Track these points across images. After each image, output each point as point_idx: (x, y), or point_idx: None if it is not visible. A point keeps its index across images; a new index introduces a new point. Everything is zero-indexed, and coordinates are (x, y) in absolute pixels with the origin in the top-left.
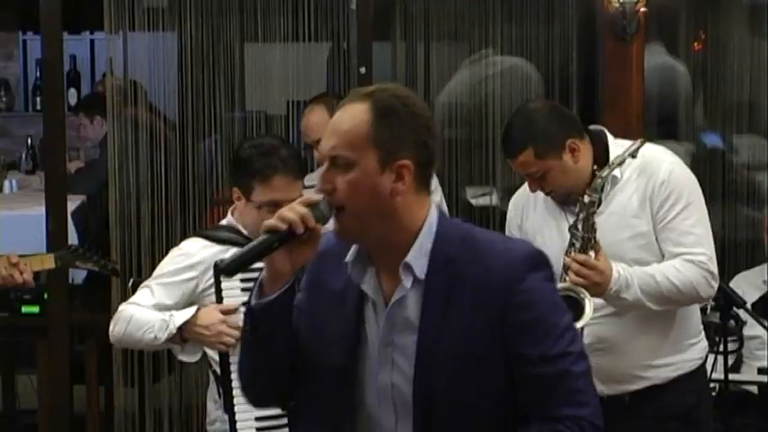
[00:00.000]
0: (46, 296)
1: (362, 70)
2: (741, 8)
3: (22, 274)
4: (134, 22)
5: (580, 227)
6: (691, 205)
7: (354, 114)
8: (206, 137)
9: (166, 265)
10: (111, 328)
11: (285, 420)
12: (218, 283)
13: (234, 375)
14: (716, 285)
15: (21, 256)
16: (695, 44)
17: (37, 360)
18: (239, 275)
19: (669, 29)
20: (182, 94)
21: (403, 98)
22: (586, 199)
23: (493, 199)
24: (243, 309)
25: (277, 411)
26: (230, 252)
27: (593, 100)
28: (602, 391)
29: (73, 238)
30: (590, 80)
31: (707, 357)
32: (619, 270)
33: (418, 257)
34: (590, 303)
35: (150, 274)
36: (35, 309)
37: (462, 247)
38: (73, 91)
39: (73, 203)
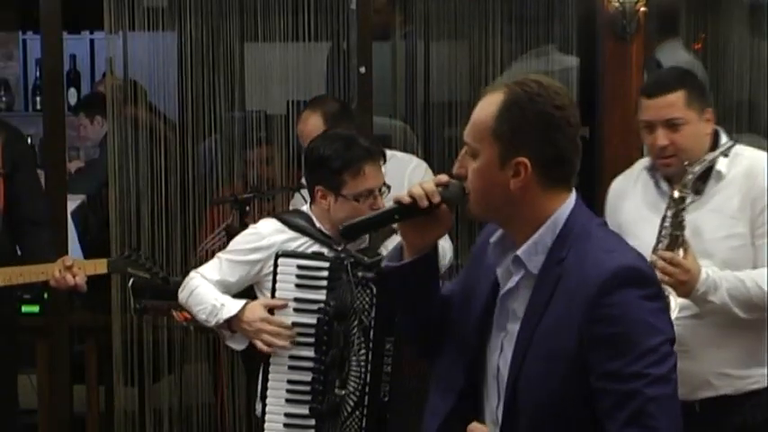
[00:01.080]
0: (46, 296)
1: (362, 70)
2: (741, 8)
3: (74, 276)
4: (134, 22)
5: (668, 224)
6: None
7: (487, 105)
8: (206, 137)
9: (239, 241)
10: (180, 290)
11: (312, 422)
12: (275, 274)
13: (271, 368)
14: None
15: (24, 262)
16: (695, 44)
17: (37, 360)
18: (296, 271)
19: (669, 29)
20: (182, 93)
21: (533, 93)
22: (676, 194)
23: None
24: (293, 305)
25: (304, 411)
26: (300, 241)
27: (594, 99)
28: None
29: (73, 238)
30: (590, 79)
31: None
32: (707, 272)
33: (533, 253)
34: (675, 302)
35: None
36: (35, 308)
37: (574, 248)
38: (73, 91)
39: (73, 203)
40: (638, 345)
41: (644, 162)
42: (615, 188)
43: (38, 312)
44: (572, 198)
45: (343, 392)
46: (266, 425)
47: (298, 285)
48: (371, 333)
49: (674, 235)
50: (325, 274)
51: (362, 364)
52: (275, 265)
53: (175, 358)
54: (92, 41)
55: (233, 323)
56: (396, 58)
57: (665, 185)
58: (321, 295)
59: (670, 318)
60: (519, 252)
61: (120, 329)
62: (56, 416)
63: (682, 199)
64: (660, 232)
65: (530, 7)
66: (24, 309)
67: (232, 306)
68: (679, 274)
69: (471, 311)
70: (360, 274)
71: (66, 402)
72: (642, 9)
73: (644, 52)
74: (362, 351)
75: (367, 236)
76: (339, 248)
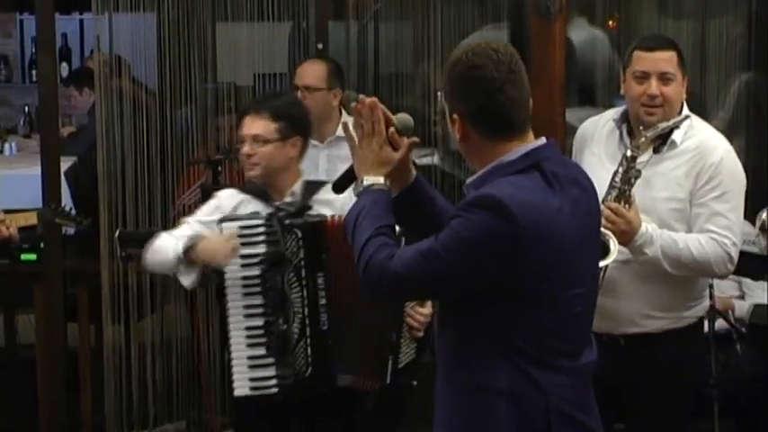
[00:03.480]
0: (42, 245)
1: (320, 46)
2: None
3: (8, 228)
4: (118, 4)
5: (618, 178)
6: (730, 193)
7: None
8: (182, 105)
9: (203, 208)
10: (143, 257)
11: (272, 360)
12: None
13: (230, 320)
14: (731, 268)
15: (6, 212)
16: (610, 22)
17: (35, 301)
18: (238, 231)
19: (587, 9)
20: (161, 67)
21: (456, 59)
22: (628, 153)
23: (434, 159)
24: (240, 261)
25: (263, 352)
26: (254, 203)
27: None
28: (602, 328)
29: (66, 195)
30: (520, 53)
31: (708, 318)
32: (647, 227)
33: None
34: (615, 246)
35: (135, 226)
36: (33, 256)
37: (493, 183)
38: (64, 65)
39: (66, 164)
40: (438, 238)
41: (612, 113)
42: (584, 130)
43: (35, 259)
44: (522, 148)
45: (285, 327)
46: (234, 369)
47: (241, 243)
48: (303, 272)
49: (622, 189)
50: (262, 229)
51: (298, 300)
52: (220, 230)
53: (157, 299)
54: (81, 21)
55: (190, 254)
56: (349, 35)
57: (627, 139)
58: (261, 249)
59: (502, 250)
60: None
61: (108, 274)
62: (52, 350)
63: (633, 158)
64: (610, 184)
65: None
66: (23, 256)
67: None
68: (621, 223)
69: None
70: (287, 222)
71: (61, 338)
72: None
73: (565, 30)
74: (297, 289)
75: (298, 191)
76: (277, 204)
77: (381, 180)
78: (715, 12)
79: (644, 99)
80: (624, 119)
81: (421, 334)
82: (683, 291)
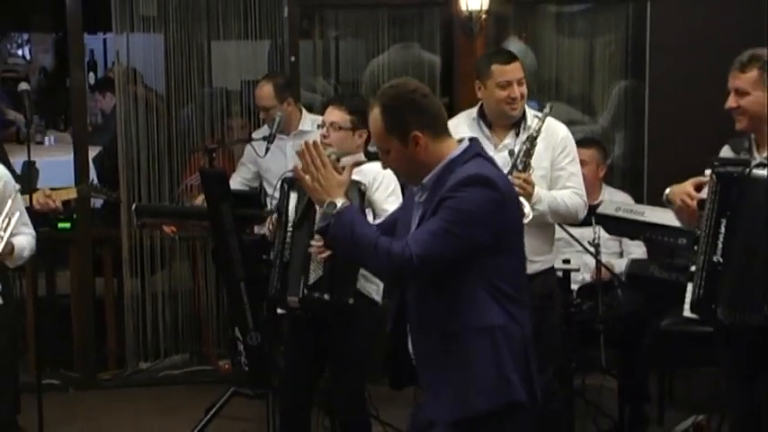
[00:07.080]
0: (75, 216)
1: (293, 59)
2: (550, 16)
3: (54, 202)
4: (134, 26)
5: (523, 154)
6: (575, 159)
7: (373, 120)
8: (185, 105)
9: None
10: None
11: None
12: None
13: None
14: (585, 213)
15: (52, 189)
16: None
17: (69, 260)
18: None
19: (502, 30)
20: (167, 76)
21: (391, 93)
22: (534, 134)
23: None
24: None
25: None
26: None
27: (452, 78)
28: None
29: (93, 176)
30: (449, 65)
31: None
32: (537, 189)
33: (432, 179)
34: (529, 209)
35: (148, 200)
36: (68, 225)
37: (454, 173)
38: (91, 74)
39: (93, 152)
40: (438, 218)
41: (471, 112)
42: (451, 125)
43: (69, 227)
44: (461, 145)
45: (271, 258)
46: None
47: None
48: (289, 221)
49: (527, 162)
50: (277, 194)
51: (279, 242)
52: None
53: (166, 258)
54: (104, 40)
55: None
56: (315, 51)
57: (487, 131)
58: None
59: (496, 213)
60: (424, 180)
61: (127, 239)
62: (83, 299)
63: (534, 138)
64: (516, 161)
65: (407, 16)
66: (60, 225)
67: None
68: (529, 188)
69: (408, 224)
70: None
71: (90, 289)
72: (484, 16)
73: (485, 46)
74: (281, 233)
75: None
76: None
77: (344, 199)
78: (600, 32)
79: (508, 100)
80: (481, 116)
81: (323, 255)
82: (546, 239)
